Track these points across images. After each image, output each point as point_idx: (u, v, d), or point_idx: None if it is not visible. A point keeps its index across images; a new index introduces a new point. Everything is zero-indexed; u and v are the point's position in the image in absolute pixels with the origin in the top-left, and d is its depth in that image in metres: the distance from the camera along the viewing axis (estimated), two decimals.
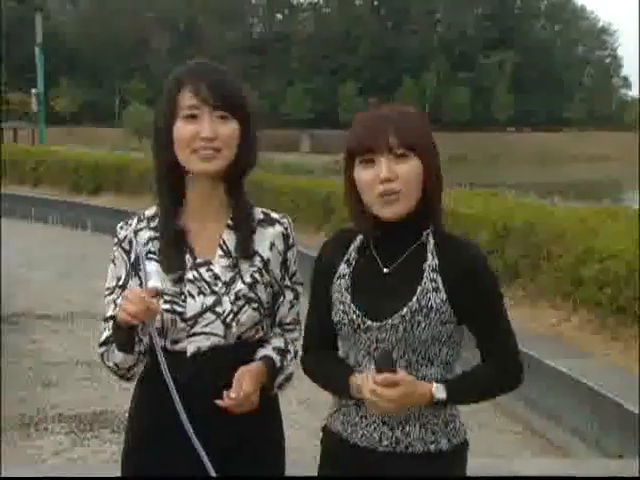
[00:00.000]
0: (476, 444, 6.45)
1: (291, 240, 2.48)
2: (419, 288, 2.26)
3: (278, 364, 2.42)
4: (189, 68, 2.38)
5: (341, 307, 2.35)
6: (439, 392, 2.24)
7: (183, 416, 2.28)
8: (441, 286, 2.26)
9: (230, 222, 2.42)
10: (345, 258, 2.39)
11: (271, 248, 2.43)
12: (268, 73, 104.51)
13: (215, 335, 2.36)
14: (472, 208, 10.00)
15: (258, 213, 2.47)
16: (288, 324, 2.51)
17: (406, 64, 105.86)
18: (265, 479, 2.46)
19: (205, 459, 2.29)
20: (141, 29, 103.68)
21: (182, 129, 2.31)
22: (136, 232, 2.44)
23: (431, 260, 2.29)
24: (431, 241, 2.31)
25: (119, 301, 2.30)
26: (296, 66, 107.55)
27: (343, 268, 2.38)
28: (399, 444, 2.30)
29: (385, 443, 2.31)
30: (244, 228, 2.41)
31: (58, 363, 8.48)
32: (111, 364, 2.37)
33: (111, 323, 2.31)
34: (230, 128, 2.34)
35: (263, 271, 2.40)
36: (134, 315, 2.18)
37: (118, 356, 2.33)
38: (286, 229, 2.47)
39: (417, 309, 2.25)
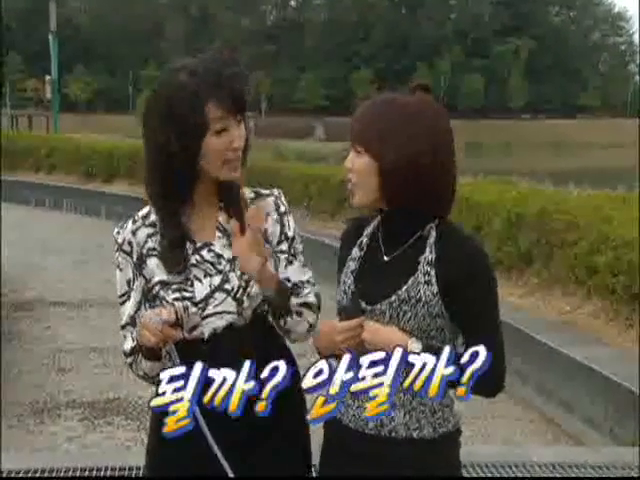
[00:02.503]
0: (492, 432, 6.52)
1: (283, 207, 2.47)
2: (411, 279, 2.27)
3: (290, 287, 2.40)
4: (208, 77, 2.28)
5: (343, 287, 2.39)
6: (415, 347, 2.22)
7: (201, 421, 2.26)
8: (434, 280, 2.26)
9: (222, 205, 2.42)
10: (358, 242, 2.43)
11: (265, 218, 2.43)
12: (282, 60, 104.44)
13: (228, 313, 2.36)
14: (486, 196, 9.97)
15: (248, 193, 2.48)
16: (295, 284, 2.45)
17: (420, 51, 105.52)
18: (285, 478, 2.44)
19: (222, 460, 2.30)
20: (155, 16, 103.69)
21: (216, 143, 2.29)
22: (134, 232, 2.45)
23: (428, 254, 2.29)
24: (433, 235, 2.31)
25: (137, 328, 2.32)
26: (310, 53, 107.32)
27: (355, 252, 2.42)
28: (383, 428, 2.32)
29: (371, 426, 2.33)
30: (237, 207, 2.41)
31: (72, 350, 8.50)
32: (141, 373, 2.41)
33: (136, 342, 2.34)
34: (245, 129, 2.36)
35: (263, 241, 2.39)
36: (154, 344, 2.24)
37: (146, 366, 2.36)
38: (277, 197, 2.48)
39: (405, 299, 2.26)
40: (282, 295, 2.36)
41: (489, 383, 2.27)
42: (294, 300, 2.38)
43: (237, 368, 2.29)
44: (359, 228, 2.46)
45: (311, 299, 2.42)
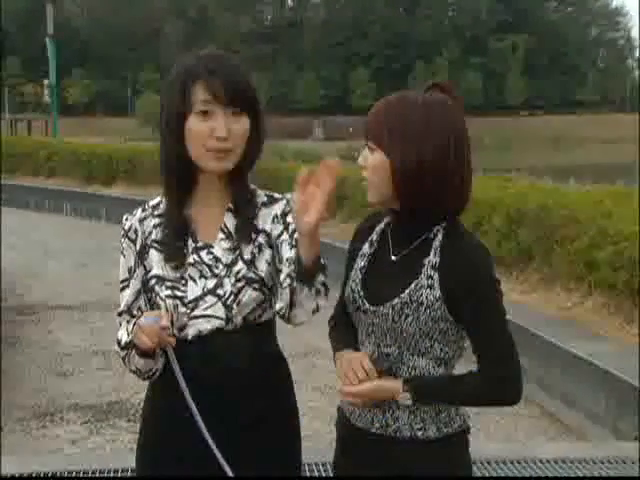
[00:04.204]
0: (493, 429, 6.50)
1: (289, 208, 2.43)
2: (414, 282, 2.25)
3: (322, 261, 2.21)
4: (202, 61, 2.33)
5: (351, 285, 2.38)
6: (404, 400, 2.26)
7: (198, 418, 2.29)
8: (437, 284, 2.23)
9: (231, 206, 2.41)
10: (369, 238, 2.42)
11: (273, 220, 2.42)
12: (280, 60, 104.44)
13: (216, 318, 2.34)
14: (486, 192, 9.95)
15: (262, 196, 2.46)
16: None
17: (418, 49, 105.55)
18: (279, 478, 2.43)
19: (222, 460, 2.30)
20: (153, 18, 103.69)
21: (196, 126, 2.29)
22: (141, 221, 2.45)
23: (432, 257, 2.26)
24: (439, 237, 2.28)
25: (134, 327, 2.31)
26: (308, 53, 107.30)
27: (366, 248, 2.41)
28: (388, 427, 2.32)
29: (377, 425, 2.33)
30: (245, 212, 2.40)
31: (74, 353, 8.52)
32: (133, 368, 2.39)
33: (131, 338, 2.33)
34: (242, 125, 2.32)
35: (265, 246, 2.38)
36: (149, 348, 2.25)
37: (139, 362, 2.35)
38: (287, 202, 2.45)
39: (407, 302, 2.24)
40: (317, 267, 2.17)
41: (501, 391, 2.29)
42: (321, 277, 2.19)
43: (225, 371, 2.31)
44: (373, 224, 2.45)
45: (326, 281, 2.21)
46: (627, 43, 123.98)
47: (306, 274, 2.16)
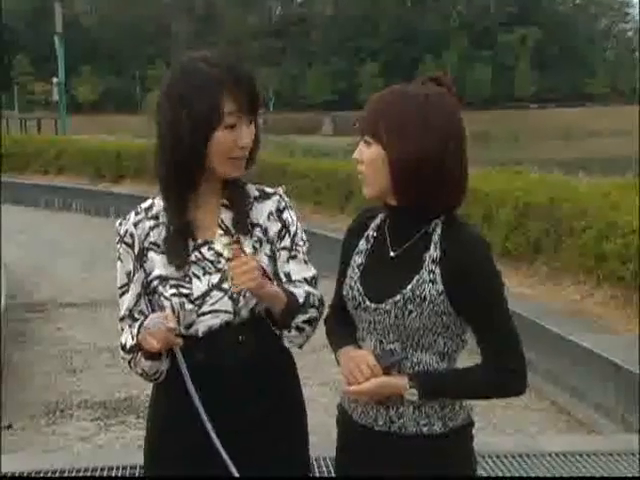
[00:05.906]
0: (502, 422, 6.49)
1: (283, 204, 2.46)
2: (416, 277, 2.24)
3: (301, 300, 2.34)
4: (224, 71, 2.30)
5: (349, 282, 2.37)
6: (410, 396, 2.26)
7: (203, 416, 2.30)
8: (439, 278, 2.23)
9: (225, 202, 2.42)
10: (365, 234, 2.41)
11: (269, 217, 2.43)
12: (288, 56, 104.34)
13: (224, 312, 2.35)
14: (495, 185, 9.93)
15: (253, 190, 2.48)
16: (298, 281, 2.42)
17: (427, 43, 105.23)
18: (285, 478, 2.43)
19: (228, 461, 2.30)
20: (161, 15, 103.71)
21: (225, 138, 2.30)
22: (136, 224, 2.46)
23: (433, 251, 2.25)
24: (438, 231, 2.27)
25: (139, 330, 2.32)
26: (316, 48, 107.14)
27: (362, 244, 2.40)
28: (393, 424, 2.30)
29: (380, 423, 2.32)
30: (240, 205, 2.42)
31: (83, 350, 8.55)
32: (139, 371, 2.40)
33: (136, 341, 2.34)
34: (253, 131, 2.37)
35: (264, 240, 2.41)
36: (157, 349, 2.26)
37: (146, 364, 2.36)
38: (280, 196, 2.48)
39: (410, 298, 2.23)
40: (288, 315, 2.32)
41: (506, 382, 2.30)
42: (300, 317, 2.34)
43: (235, 365, 2.32)
44: (368, 220, 2.43)
45: (314, 314, 2.37)
46: (636, 34, 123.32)
47: (279, 323, 2.33)
